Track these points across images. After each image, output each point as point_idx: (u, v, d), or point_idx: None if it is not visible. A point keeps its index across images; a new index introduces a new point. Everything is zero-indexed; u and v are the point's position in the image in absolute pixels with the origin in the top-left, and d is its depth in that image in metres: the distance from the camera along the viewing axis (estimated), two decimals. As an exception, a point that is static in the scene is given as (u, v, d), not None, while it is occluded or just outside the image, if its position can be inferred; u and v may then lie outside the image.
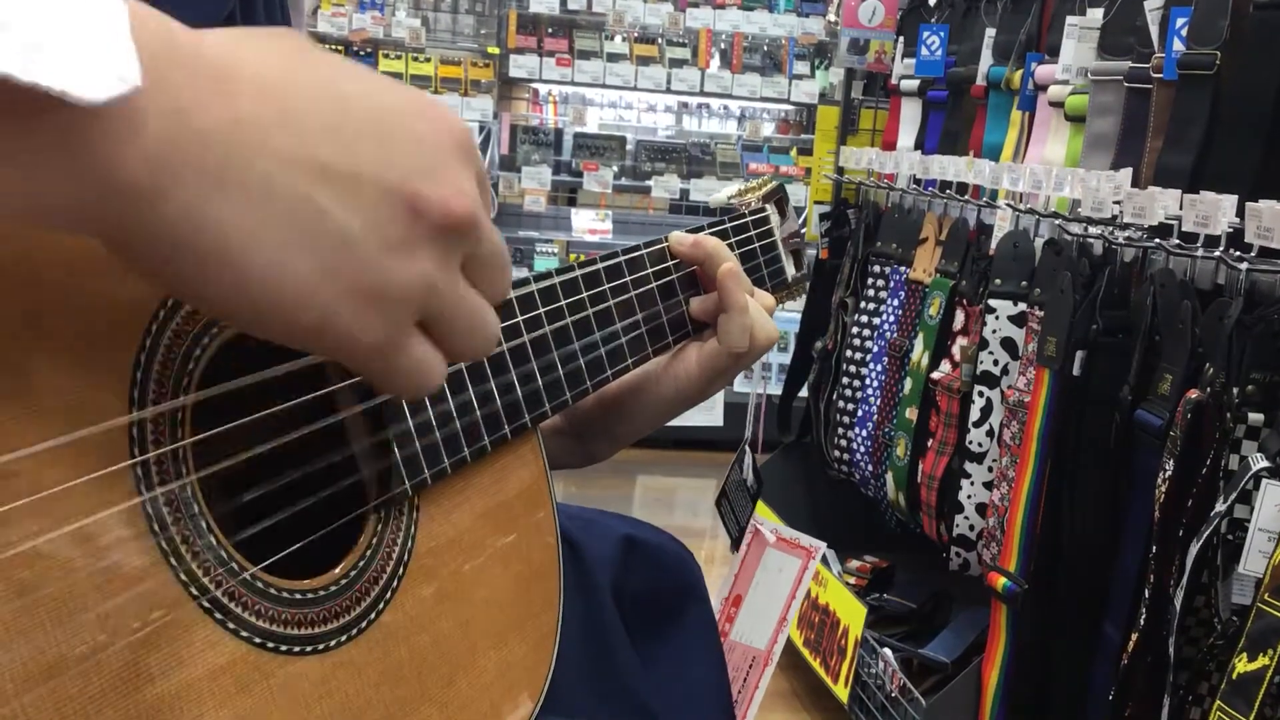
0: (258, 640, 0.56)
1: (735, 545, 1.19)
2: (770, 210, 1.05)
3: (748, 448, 1.20)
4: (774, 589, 1.18)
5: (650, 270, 0.90)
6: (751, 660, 1.15)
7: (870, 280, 2.80)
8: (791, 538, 1.19)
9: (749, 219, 1.02)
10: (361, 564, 0.64)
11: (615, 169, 5.46)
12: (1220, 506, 1.51)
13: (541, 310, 0.79)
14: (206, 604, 0.54)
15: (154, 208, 0.41)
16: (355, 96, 0.47)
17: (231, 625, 0.55)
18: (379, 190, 0.46)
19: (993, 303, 2.19)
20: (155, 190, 0.40)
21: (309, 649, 0.59)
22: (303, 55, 0.47)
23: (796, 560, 1.18)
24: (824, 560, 2.87)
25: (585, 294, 0.83)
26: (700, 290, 0.93)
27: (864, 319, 2.79)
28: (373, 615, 0.63)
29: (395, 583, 0.65)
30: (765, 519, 1.21)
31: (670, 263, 0.91)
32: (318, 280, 0.45)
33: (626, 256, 0.88)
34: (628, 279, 0.87)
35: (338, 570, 0.62)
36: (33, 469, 0.47)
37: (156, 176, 0.40)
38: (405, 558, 0.66)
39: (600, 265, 0.86)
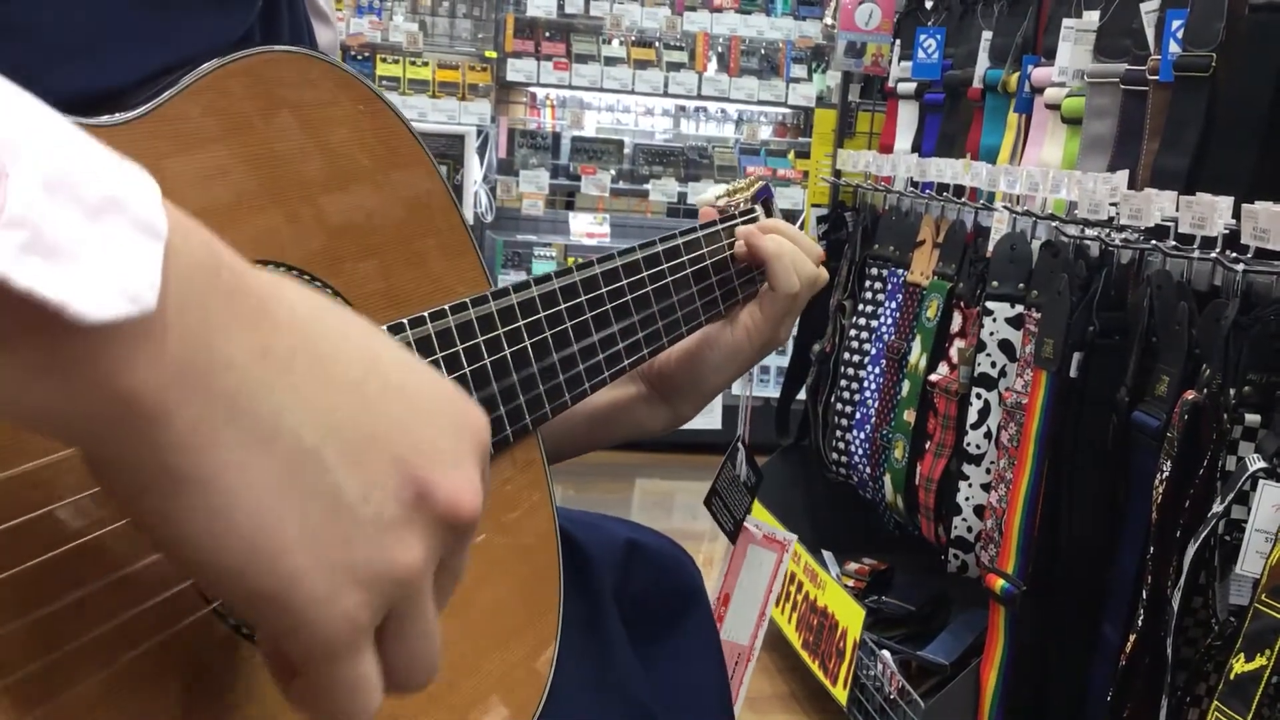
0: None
1: (733, 538, 1.19)
2: (760, 211, 1.06)
3: (740, 444, 1.20)
4: (755, 585, 1.19)
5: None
6: (737, 657, 1.16)
7: (868, 283, 2.80)
8: (769, 533, 1.20)
9: (740, 220, 1.02)
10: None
11: (613, 172, 5.46)
12: (1217, 507, 1.51)
13: (543, 314, 0.79)
14: (221, 609, 0.54)
15: (153, 427, 0.37)
16: (388, 362, 0.45)
17: (233, 620, 0.55)
18: (389, 460, 0.43)
19: (990, 305, 2.20)
20: (159, 409, 0.37)
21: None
22: (343, 311, 0.45)
23: (773, 554, 1.19)
24: (822, 562, 2.87)
25: (573, 300, 0.84)
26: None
27: (862, 321, 2.79)
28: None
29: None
30: (752, 517, 1.21)
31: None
32: (299, 542, 0.41)
33: (623, 260, 0.89)
34: (644, 274, 0.90)
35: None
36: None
37: (165, 395, 0.37)
38: (407, 561, 0.66)
39: (598, 269, 0.86)
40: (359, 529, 0.42)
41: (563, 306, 0.81)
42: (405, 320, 0.68)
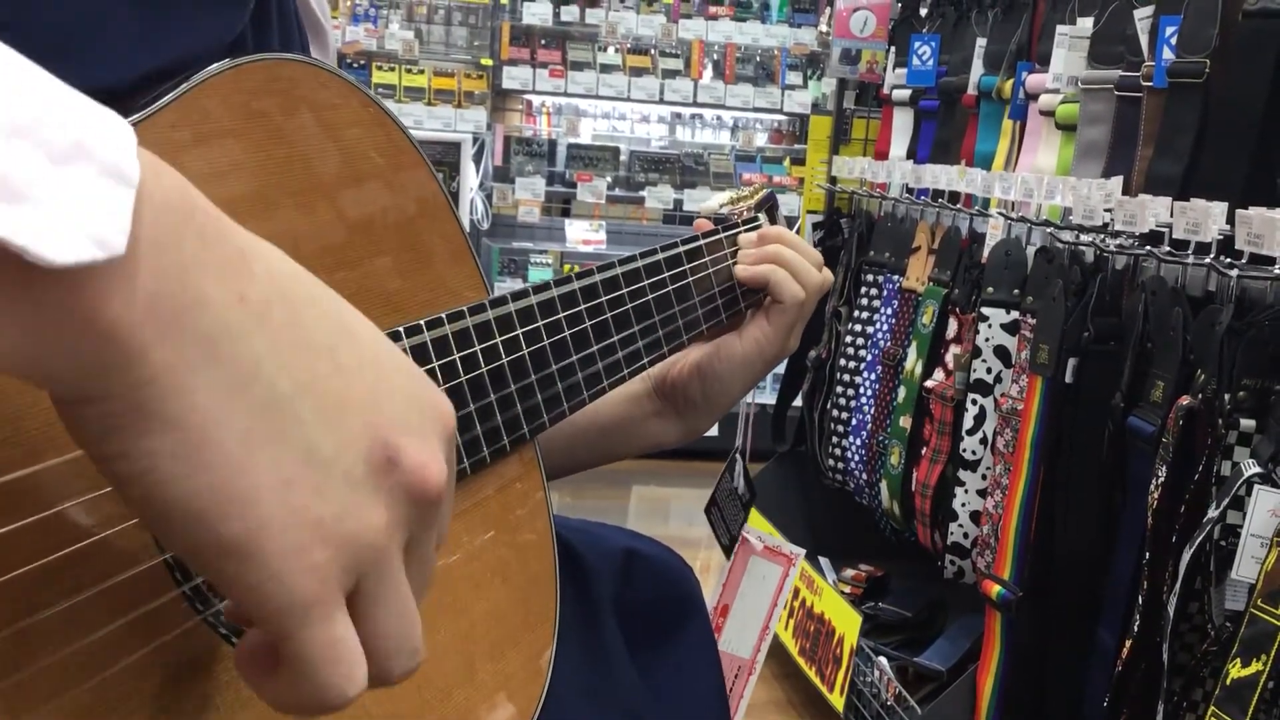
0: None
1: (727, 552, 1.19)
2: (763, 219, 1.06)
3: (738, 456, 1.20)
4: (758, 597, 1.19)
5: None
6: (738, 669, 1.15)
7: (863, 289, 2.80)
8: (774, 545, 1.20)
9: (742, 228, 1.02)
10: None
11: (609, 179, 5.47)
12: (1213, 513, 1.51)
13: (541, 323, 0.79)
14: (211, 619, 0.54)
15: (128, 365, 0.37)
16: (362, 334, 0.45)
17: (223, 631, 0.55)
18: (361, 425, 0.43)
19: (985, 311, 2.20)
20: (134, 347, 0.37)
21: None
22: (317, 282, 0.45)
23: (778, 568, 1.18)
24: (819, 569, 2.87)
25: (572, 309, 0.84)
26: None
27: (857, 328, 2.79)
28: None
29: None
30: (753, 528, 1.21)
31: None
32: (269, 489, 0.40)
33: (613, 270, 0.89)
34: (645, 283, 0.90)
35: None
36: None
37: (140, 332, 0.37)
38: (404, 569, 0.66)
39: (594, 279, 0.86)
40: (329, 485, 0.41)
41: (561, 315, 0.81)
42: (402, 328, 0.68)
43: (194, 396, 0.39)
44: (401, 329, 0.68)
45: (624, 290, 0.87)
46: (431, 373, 0.69)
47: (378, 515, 0.43)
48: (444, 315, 0.71)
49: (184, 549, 0.40)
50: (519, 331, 0.76)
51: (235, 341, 0.40)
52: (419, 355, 0.69)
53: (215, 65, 0.59)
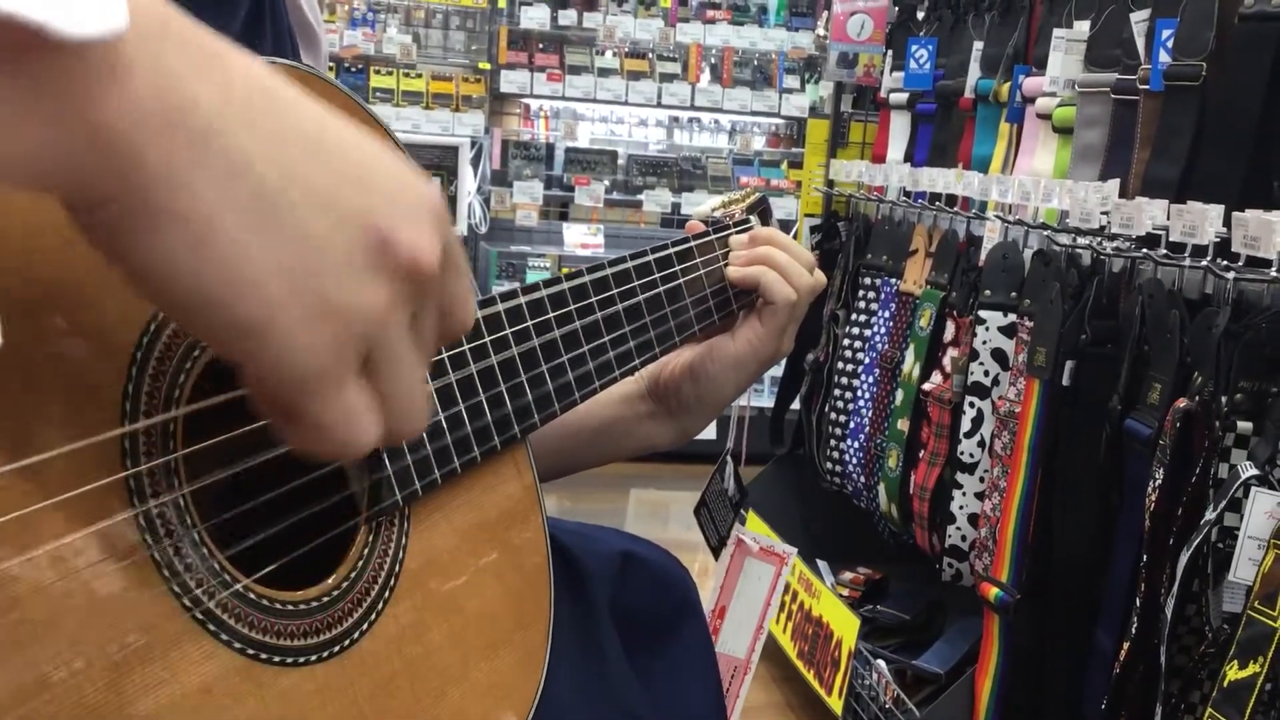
0: (250, 652, 0.56)
1: (715, 554, 1.19)
2: (755, 222, 1.06)
3: (729, 458, 1.20)
4: (753, 598, 1.19)
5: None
6: (734, 670, 1.15)
7: (861, 292, 2.81)
8: (767, 545, 1.20)
9: (734, 230, 1.02)
10: (353, 575, 0.64)
11: (607, 183, 5.47)
12: (1210, 515, 1.51)
13: (530, 323, 0.79)
14: (199, 616, 0.54)
15: (129, 165, 0.40)
16: (342, 129, 0.47)
17: (224, 637, 0.55)
18: (352, 210, 0.45)
19: (983, 314, 2.20)
20: (134, 146, 0.39)
21: (302, 660, 0.59)
22: (292, 84, 0.46)
23: (771, 568, 1.18)
24: (817, 572, 2.87)
25: (562, 309, 0.84)
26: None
27: (855, 331, 2.80)
28: (365, 626, 0.63)
29: (387, 594, 0.65)
30: (749, 531, 1.21)
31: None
32: (273, 272, 0.43)
33: (619, 267, 0.89)
34: (636, 283, 0.90)
35: (330, 581, 0.63)
36: (20, 484, 0.47)
37: (139, 130, 0.39)
38: (396, 569, 0.66)
39: (586, 278, 0.86)
40: (328, 264, 0.44)
41: (551, 315, 0.81)
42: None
43: (193, 191, 0.41)
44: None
45: (614, 291, 0.87)
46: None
47: (377, 293, 0.45)
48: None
49: (204, 333, 0.44)
50: (508, 331, 0.77)
51: (224, 136, 0.41)
52: None
53: None
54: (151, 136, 0.40)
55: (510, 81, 5.32)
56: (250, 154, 0.42)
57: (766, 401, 4.04)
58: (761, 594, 1.18)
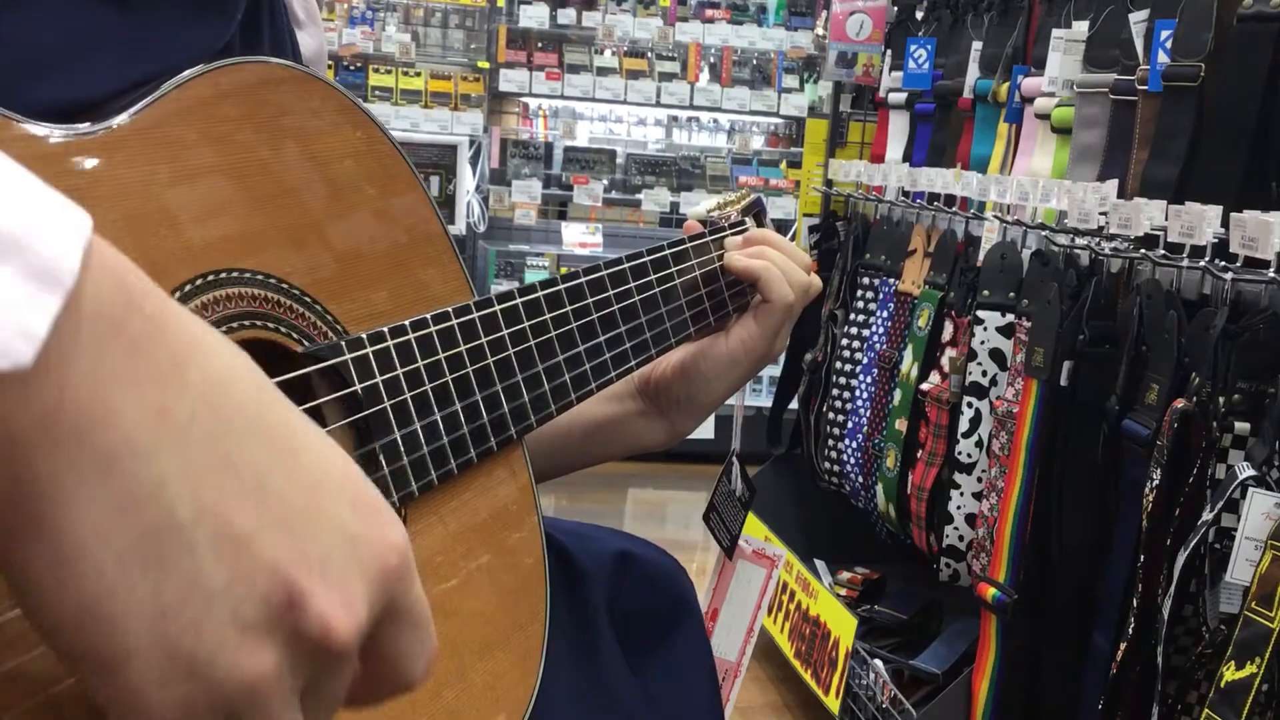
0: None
1: (729, 554, 1.19)
2: (750, 223, 1.06)
3: (735, 458, 1.20)
4: (744, 601, 1.18)
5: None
6: (725, 672, 1.15)
7: (859, 292, 2.81)
8: (759, 548, 1.20)
9: (729, 232, 1.02)
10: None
11: (605, 182, 5.47)
12: (1207, 515, 1.51)
13: (527, 324, 0.79)
14: None
15: (11, 462, 0.36)
16: (306, 455, 0.42)
17: None
18: (265, 560, 0.39)
19: (981, 314, 2.20)
20: (23, 450, 0.36)
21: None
22: (272, 390, 0.42)
23: (762, 570, 1.18)
24: (815, 572, 2.87)
25: (558, 310, 0.84)
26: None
27: (853, 331, 2.80)
28: (359, 628, 0.63)
29: (382, 595, 0.65)
30: (744, 533, 1.21)
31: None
32: (140, 615, 0.38)
33: (618, 267, 0.89)
34: (632, 284, 0.90)
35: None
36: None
37: (32, 437, 0.36)
38: (392, 570, 0.66)
39: (584, 278, 0.86)
40: (210, 621, 0.39)
41: (548, 316, 0.81)
42: (386, 328, 0.68)
43: (77, 510, 0.37)
44: (386, 329, 0.68)
45: (610, 292, 0.87)
46: (416, 373, 0.69)
47: (262, 663, 0.39)
48: (429, 316, 0.71)
49: (57, 652, 0.39)
50: (505, 332, 0.76)
51: (138, 459, 0.37)
52: (403, 354, 0.69)
53: (187, 72, 0.59)
54: (47, 446, 0.36)
55: (509, 80, 5.32)
56: (166, 482, 0.38)
57: (764, 401, 4.05)
58: (752, 597, 1.18)
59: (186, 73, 0.59)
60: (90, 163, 0.53)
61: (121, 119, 0.56)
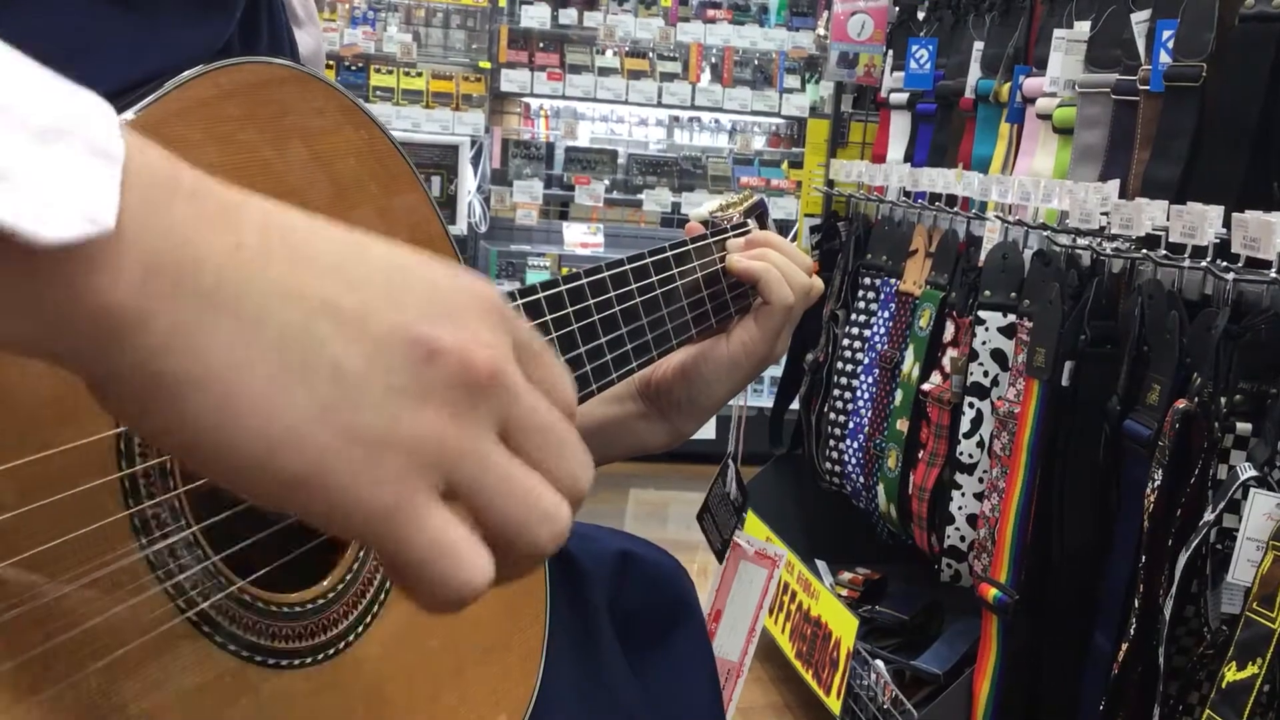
0: (245, 654, 0.56)
1: (720, 557, 1.19)
2: (752, 225, 1.06)
3: (731, 461, 1.20)
4: (746, 601, 1.19)
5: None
6: (727, 673, 1.15)
7: (861, 292, 2.80)
8: (761, 548, 1.20)
9: (731, 234, 1.02)
10: (348, 578, 0.64)
11: (607, 182, 5.47)
12: (1209, 516, 1.51)
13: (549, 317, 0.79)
14: (194, 618, 0.54)
15: (135, 336, 0.38)
16: (373, 247, 0.44)
17: (219, 639, 0.55)
18: (386, 327, 0.42)
19: (982, 314, 2.20)
20: (135, 317, 0.38)
21: (296, 663, 0.59)
22: (315, 216, 0.44)
23: (764, 571, 1.18)
24: (816, 572, 2.87)
25: (559, 312, 0.84)
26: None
27: (855, 331, 2.79)
28: (359, 630, 0.63)
29: (382, 596, 0.65)
30: (745, 534, 1.21)
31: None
32: (313, 418, 0.40)
33: (635, 264, 0.89)
34: (634, 285, 0.90)
35: (325, 584, 0.63)
36: (13, 483, 0.47)
37: (138, 303, 0.38)
38: (393, 571, 0.66)
39: (587, 279, 0.86)
40: (370, 397, 0.41)
41: (549, 317, 0.81)
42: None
43: (210, 352, 0.39)
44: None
45: (612, 294, 0.87)
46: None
47: (432, 415, 0.42)
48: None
49: (254, 495, 0.41)
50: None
51: (238, 288, 0.40)
52: None
53: (189, 73, 0.59)
54: (157, 303, 0.38)
55: (510, 80, 5.32)
56: (268, 300, 0.40)
57: (766, 402, 4.04)
58: (754, 597, 1.18)
59: (187, 73, 0.59)
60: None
61: (124, 119, 0.56)
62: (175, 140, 0.58)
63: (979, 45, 2.58)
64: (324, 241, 0.43)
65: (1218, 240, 1.66)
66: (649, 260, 0.92)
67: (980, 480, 2.21)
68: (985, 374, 2.20)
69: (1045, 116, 2.27)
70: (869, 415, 2.67)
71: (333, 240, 0.43)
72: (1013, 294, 2.17)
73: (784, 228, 1.05)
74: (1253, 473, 1.47)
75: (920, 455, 2.40)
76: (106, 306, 0.37)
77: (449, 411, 0.42)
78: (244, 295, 0.40)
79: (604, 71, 5.43)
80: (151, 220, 0.38)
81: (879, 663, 2.45)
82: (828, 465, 2.84)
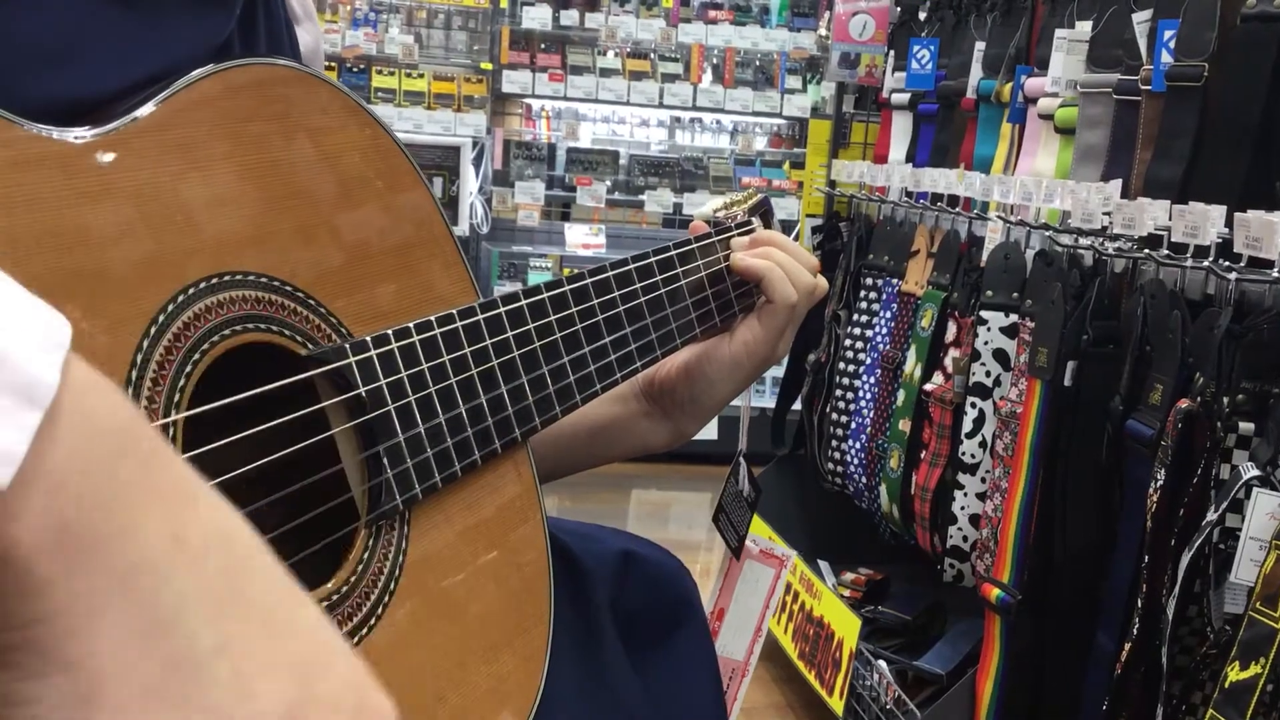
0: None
1: (736, 555, 1.19)
2: (757, 223, 1.06)
3: (742, 459, 1.20)
4: (752, 600, 1.18)
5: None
6: (732, 672, 1.15)
7: (862, 293, 2.80)
8: (767, 548, 1.20)
9: (735, 232, 1.02)
10: (353, 579, 0.64)
11: (608, 183, 5.47)
12: (1212, 516, 1.51)
13: (531, 325, 0.79)
14: None
15: (25, 596, 0.33)
16: (306, 603, 0.41)
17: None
18: (283, 701, 0.38)
19: (984, 314, 2.20)
20: (38, 577, 0.33)
21: (301, 663, 0.59)
22: (260, 540, 0.40)
23: (770, 570, 1.18)
24: (818, 572, 2.87)
25: (564, 312, 0.84)
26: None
27: (857, 331, 2.79)
28: (365, 630, 0.63)
29: (387, 598, 0.65)
30: (750, 533, 1.21)
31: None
32: None
33: (625, 268, 0.89)
34: (637, 285, 0.90)
35: (330, 585, 0.63)
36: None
37: (46, 561, 0.33)
38: (396, 572, 0.66)
39: (586, 281, 0.86)
40: None
41: (553, 318, 0.81)
42: (390, 331, 0.68)
43: (97, 639, 0.34)
44: (390, 331, 0.68)
45: (616, 293, 0.87)
46: (420, 375, 0.69)
47: None
48: (433, 318, 0.71)
49: None
50: (510, 334, 0.76)
51: (158, 579, 0.35)
52: (408, 358, 0.68)
53: (198, 71, 0.59)
54: (64, 567, 0.33)
55: (512, 82, 5.32)
56: (185, 608, 0.36)
57: (768, 402, 4.04)
58: (760, 596, 1.18)
59: (195, 73, 0.59)
60: (105, 160, 0.53)
61: (130, 119, 0.56)
62: (183, 138, 0.58)
63: (980, 45, 2.58)
64: (263, 572, 0.39)
65: (1220, 240, 1.65)
66: (653, 260, 0.92)
67: (983, 480, 2.21)
68: (987, 374, 2.20)
69: (1047, 116, 2.26)
70: (871, 415, 2.67)
71: (271, 574, 0.40)
72: (1015, 294, 2.17)
73: (786, 228, 1.05)
74: (1255, 472, 1.47)
75: (922, 455, 2.40)
76: (8, 550, 0.33)
77: None
78: (162, 592, 0.35)
79: (605, 72, 5.43)
80: (83, 477, 0.34)
81: (881, 663, 2.45)
82: (830, 466, 2.84)
